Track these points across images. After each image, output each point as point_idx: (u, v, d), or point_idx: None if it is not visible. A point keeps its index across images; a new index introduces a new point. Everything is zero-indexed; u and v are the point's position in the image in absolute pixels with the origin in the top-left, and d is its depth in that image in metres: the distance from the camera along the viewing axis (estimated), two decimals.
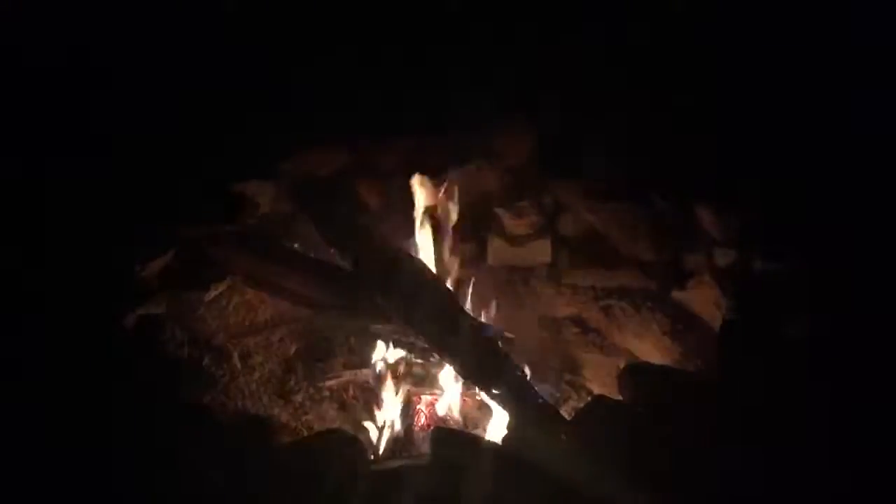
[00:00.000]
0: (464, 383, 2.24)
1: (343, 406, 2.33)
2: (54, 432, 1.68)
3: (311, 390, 2.37)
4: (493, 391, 2.06)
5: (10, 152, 2.28)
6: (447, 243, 2.46)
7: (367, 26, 2.75)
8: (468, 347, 2.12)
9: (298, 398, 2.34)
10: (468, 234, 2.68)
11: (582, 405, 2.21)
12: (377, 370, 2.35)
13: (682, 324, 2.41)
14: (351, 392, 2.39)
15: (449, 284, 2.39)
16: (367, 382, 2.40)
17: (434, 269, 2.40)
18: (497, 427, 2.13)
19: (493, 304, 2.42)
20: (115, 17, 2.62)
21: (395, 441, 2.16)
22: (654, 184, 2.58)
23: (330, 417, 2.30)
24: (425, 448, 2.09)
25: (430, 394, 2.31)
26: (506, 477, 1.63)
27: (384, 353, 2.40)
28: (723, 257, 2.36)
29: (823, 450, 1.69)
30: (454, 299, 2.27)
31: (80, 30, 2.60)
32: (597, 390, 2.40)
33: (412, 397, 2.30)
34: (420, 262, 2.36)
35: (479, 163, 2.76)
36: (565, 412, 2.20)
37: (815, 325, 2.00)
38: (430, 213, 2.40)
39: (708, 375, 2.16)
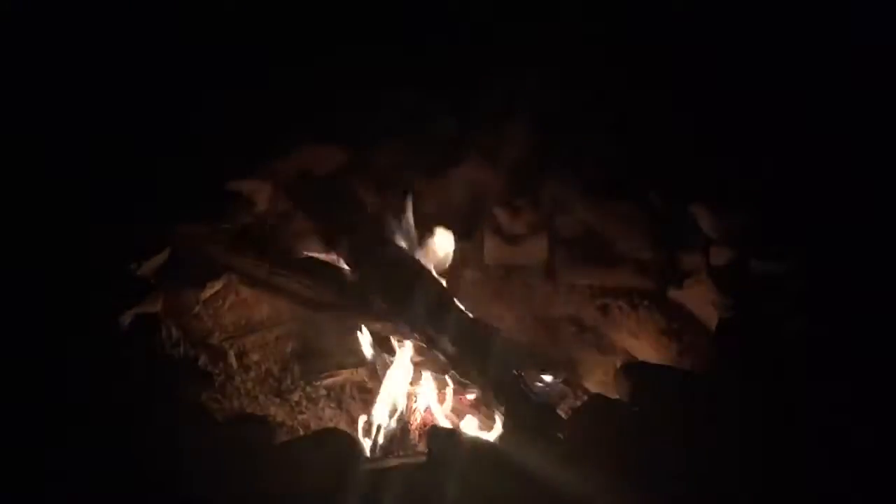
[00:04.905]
0: (459, 382, 2.24)
1: (339, 405, 2.33)
2: (52, 431, 1.67)
3: (308, 389, 2.37)
4: (490, 390, 2.06)
5: (10, 152, 2.28)
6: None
7: (367, 26, 2.75)
8: (465, 347, 2.11)
9: (295, 397, 2.33)
10: (464, 233, 2.67)
11: (578, 404, 2.21)
12: (373, 369, 2.35)
13: (678, 323, 2.41)
14: (347, 391, 2.38)
15: (445, 283, 2.39)
16: (364, 381, 2.39)
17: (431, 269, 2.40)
18: (493, 426, 2.13)
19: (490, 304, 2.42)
20: (116, 16, 2.62)
21: (391, 440, 2.15)
22: (651, 182, 2.58)
23: (326, 417, 2.30)
24: (421, 447, 2.10)
25: (428, 393, 2.31)
26: (501, 476, 1.63)
27: (381, 352, 2.39)
28: (719, 256, 2.36)
29: (822, 450, 1.69)
30: (451, 298, 2.27)
31: (81, 29, 2.60)
32: (593, 389, 2.39)
33: (408, 396, 2.30)
34: (417, 261, 2.36)
35: (476, 161, 2.76)
36: (562, 411, 2.20)
37: (813, 324, 2.00)
38: None
39: (705, 375, 2.16)
